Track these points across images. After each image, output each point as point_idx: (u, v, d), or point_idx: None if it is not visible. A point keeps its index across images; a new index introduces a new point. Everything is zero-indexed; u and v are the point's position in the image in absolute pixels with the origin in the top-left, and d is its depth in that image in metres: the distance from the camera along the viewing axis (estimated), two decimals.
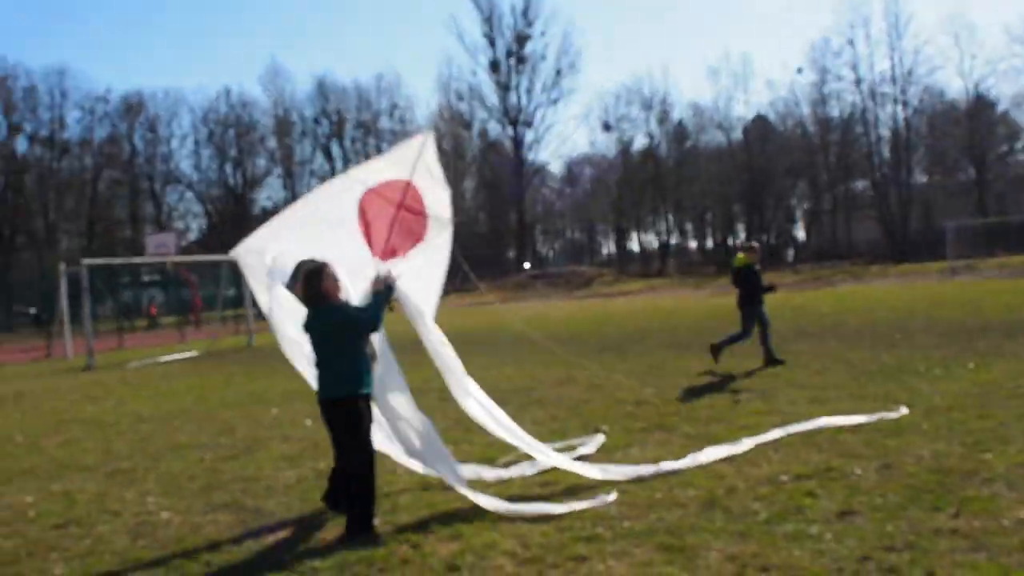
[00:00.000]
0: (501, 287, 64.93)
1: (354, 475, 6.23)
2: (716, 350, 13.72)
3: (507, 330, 25.41)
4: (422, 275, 7.26)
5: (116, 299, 42.93)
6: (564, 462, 7.34)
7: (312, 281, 6.29)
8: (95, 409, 13.88)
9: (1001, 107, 71.25)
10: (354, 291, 6.78)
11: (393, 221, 7.14)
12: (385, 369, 6.87)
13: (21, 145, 74.72)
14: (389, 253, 7.10)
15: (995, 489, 6.12)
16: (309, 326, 6.35)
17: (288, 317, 6.74)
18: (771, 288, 13.97)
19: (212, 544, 6.06)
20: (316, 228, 6.91)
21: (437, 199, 7.42)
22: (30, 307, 50.06)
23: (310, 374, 6.69)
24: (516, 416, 10.12)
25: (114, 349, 29.40)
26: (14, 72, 73.30)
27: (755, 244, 14.60)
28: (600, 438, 8.65)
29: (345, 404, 6.22)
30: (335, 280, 6.38)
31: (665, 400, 10.87)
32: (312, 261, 6.46)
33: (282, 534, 6.20)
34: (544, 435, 9.03)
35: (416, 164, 7.25)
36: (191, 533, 6.40)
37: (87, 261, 27.34)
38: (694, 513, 6.06)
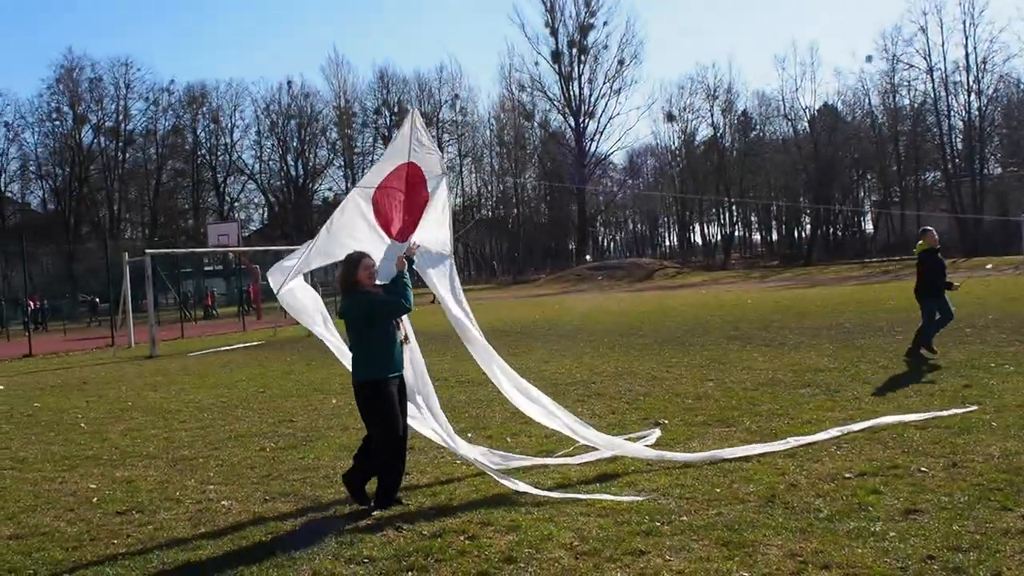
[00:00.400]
0: (561, 279, 64.75)
1: (380, 452, 6.61)
2: (917, 350, 12.87)
3: (566, 322, 25.35)
4: (433, 229, 7.53)
5: (176, 289, 43.52)
6: (599, 438, 7.70)
7: (349, 268, 6.72)
8: (157, 397, 14.12)
9: None
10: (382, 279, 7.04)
11: (402, 203, 7.48)
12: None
13: (87, 136, 76.25)
14: (406, 231, 7.38)
15: None
16: (343, 311, 6.75)
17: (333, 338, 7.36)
18: (951, 286, 13.28)
19: (271, 532, 6.11)
20: (342, 246, 7.08)
21: (431, 162, 7.69)
22: (90, 296, 51.01)
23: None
24: (574, 409, 10.15)
25: (176, 338, 29.90)
26: (80, 63, 74.92)
27: (929, 228, 13.78)
28: (657, 432, 8.54)
29: (372, 386, 6.60)
30: (370, 271, 6.78)
31: (726, 394, 10.73)
32: (357, 251, 6.86)
33: (340, 524, 6.21)
34: (603, 428, 8.99)
35: (410, 144, 7.59)
36: (250, 521, 6.45)
37: (150, 251, 27.87)
38: (754, 508, 5.95)
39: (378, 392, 6.61)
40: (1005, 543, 5.02)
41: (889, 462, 6.88)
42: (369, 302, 6.70)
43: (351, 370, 6.76)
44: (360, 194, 7.43)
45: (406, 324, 7.08)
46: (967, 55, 66.18)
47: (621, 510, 6.11)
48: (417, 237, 7.24)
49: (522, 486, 6.73)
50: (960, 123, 68.97)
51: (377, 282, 6.87)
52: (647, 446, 7.87)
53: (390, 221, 7.39)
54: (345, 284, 6.74)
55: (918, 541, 5.13)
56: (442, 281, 7.53)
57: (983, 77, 66.79)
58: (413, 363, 7.30)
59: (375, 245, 7.20)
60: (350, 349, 6.81)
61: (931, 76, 67.81)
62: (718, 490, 6.45)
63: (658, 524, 5.75)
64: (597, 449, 7.71)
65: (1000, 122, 70.75)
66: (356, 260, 6.74)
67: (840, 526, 5.48)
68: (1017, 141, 70.18)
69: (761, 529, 5.52)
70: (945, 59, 67.73)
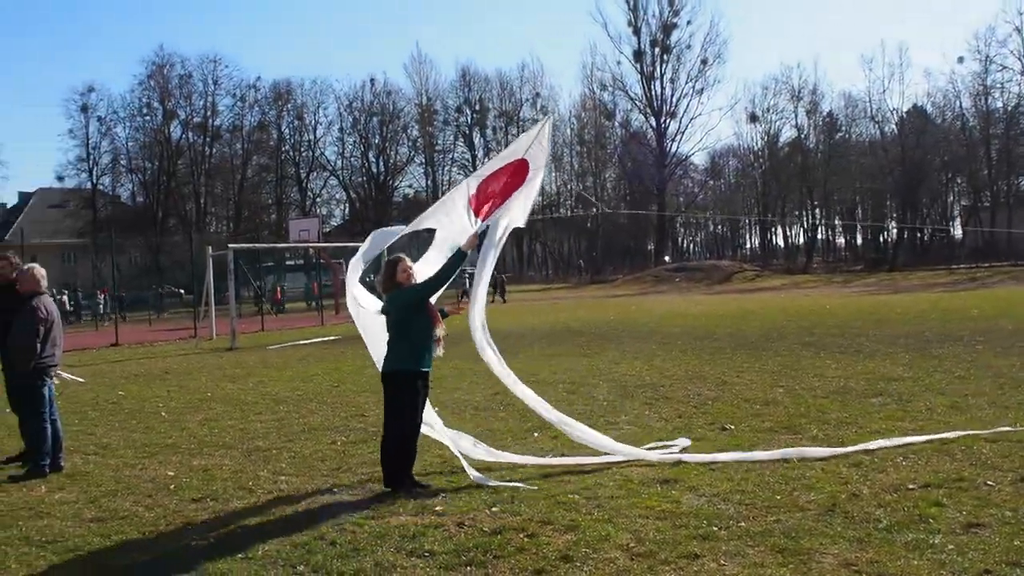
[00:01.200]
0: (639, 279, 64.44)
1: (397, 438, 7.14)
2: None
3: (640, 324, 25.31)
4: (515, 207, 8.07)
5: (254, 283, 44.29)
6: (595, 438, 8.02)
7: (388, 271, 7.30)
8: (235, 389, 14.54)
9: None
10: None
11: (502, 189, 8.01)
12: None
13: (175, 131, 78.34)
14: (491, 211, 7.96)
15: None
16: (385, 309, 7.37)
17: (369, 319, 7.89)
18: None
19: (337, 525, 6.28)
20: (436, 220, 8.05)
21: (540, 158, 8.17)
22: (176, 288, 52.19)
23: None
24: (641, 413, 10.23)
25: (256, 331, 30.56)
26: (170, 60, 77.01)
27: None
28: (686, 442, 8.45)
29: (400, 377, 7.13)
30: (408, 272, 7.32)
31: (796, 401, 10.66)
32: (395, 255, 7.44)
33: (404, 518, 6.37)
34: (669, 432, 9.06)
35: (532, 144, 8.10)
36: (318, 513, 6.65)
37: (233, 246, 28.58)
38: (813, 517, 5.95)
39: (414, 383, 7.15)
40: None
41: (955, 474, 6.80)
42: (413, 290, 7.25)
43: (387, 360, 7.23)
44: (471, 179, 8.18)
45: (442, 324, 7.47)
46: None
47: (680, 513, 6.16)
48: (498, 213, 7.88)
49: (475, 474, 7.31)
50: None
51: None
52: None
53: (482, 203, 7.96)
54: (386, 285, 7.32)
55: (976, 555, 5.08)
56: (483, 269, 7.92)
57: None
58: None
59: (462, 222, 7.90)
60: (390, 343, 7.27)
61: None
62: (778, 497, 6.46)
63: (715, 528, 5.79)
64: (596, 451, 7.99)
65: None
66: (395, 263, 7.31)
67: (898, 537, 5.45)
68: None
69: (818, 537, 5.52)
70: None
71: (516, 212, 8.04)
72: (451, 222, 7.98)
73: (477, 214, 7.92)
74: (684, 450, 8.16)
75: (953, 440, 7.95)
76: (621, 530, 5.85)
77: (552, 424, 8.26)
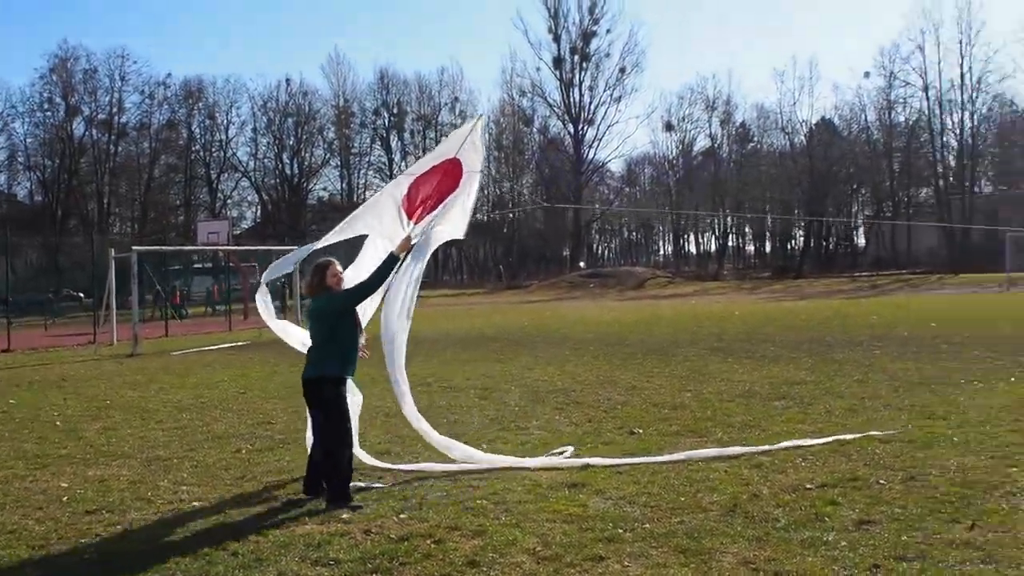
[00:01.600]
0: (554, 285, 64.84)
1: (329, 452, 6.99)
2: None
3: (554, 329, 25.47)
4: (453, 216, 7.90)
5: (157, 286, 42.92)
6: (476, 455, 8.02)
7: (317, 275, 7.16)
8: (136, 396, 14.10)
9: None
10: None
11: (434, 190, 7.86)
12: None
13: (78, 128, 75.21)
14: (424, 215, 7.82)
15: (1016, 502, 6.14)
16: (314, 310, 7.26)
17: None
18: None
19: (239, 534, 6.16)
20: (365, 223, 7.99)
21: (474, 160, 8.07)
22: (75, 291, 50.46)
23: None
24: (552, 417, 10.31)
25: (160, 336, 29.69)
26: (75, 54, 73.78)
27: None
28: (570, 449, 8.45)
29: (325, 383, 7.03)
30: (338, 277, 7.24)
31: (702, 405, 10.86)
32: (325, 258, 7.30)
33: (310, 527, 6.29)
34: (579, 436, 9.15)
35: (464, 145, 7.97)
36: (220, 523, 6.53)
37: (137, 248, 27.83)
38: (715, 517, 6.09)
39: (339, 388, 7.10)
40: (949, 553, 5.20)
41: (850, 474, 7.04)
42: (342, 296, 7.16)
43: (311, 366, 7.11)
44: (403, 177, 8.10)
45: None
46: (962, 75, 66.84)
47: (587, 516, 6.23)
48: (434, 221, 7.73)
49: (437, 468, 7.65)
50: (954, 141, 69.54)
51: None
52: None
53: (415, 207, 7.81)
54: (314, 288, 7.18)
55: (867, 550, 5.29)
56: (406, 280, 7.60)
57: (977, 97, 67.38)
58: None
59: (395, 226, 7.77)
60: (314, 348, 7.19)
61: (927, 94, 68.52)
62: (683, 499, 6.59)
63: (621, 531, 5.88)
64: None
65: (992, 141, 71.25)
66: (324, 266, 7.18)
67: (795, 535, 5.62)
68: (1009, 161, 70.71)
69: (719, 537, 5.66)
70: (940, 78, 68.21)
71: (455, 222, 7.86)
72: (382, 225, 7.85)
73: (411, 217, 7.78)
74: (576, 456, 8.22)
75: (850, 441, 8.23)
76: (528, 534, 5.89)
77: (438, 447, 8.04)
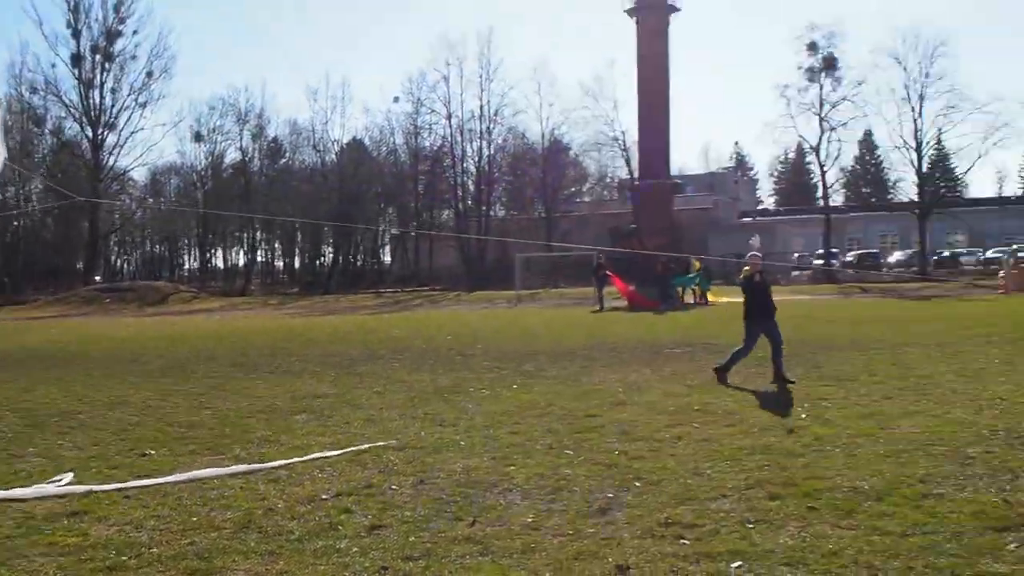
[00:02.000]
0: (63, 300, 59.83)
1: None
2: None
3: (61, 347, 23.53)
4: None
5: None
6: None
7: None
8: None
9: (572, 152, 78.28)
10: None
11: None
12: None
13: None
14: None
15: (511, 498, 6.70)
16: None
17: None
18: None
19: None
20: None
21: None
22: None
23: None
24: (53, 443, 9.49)
25: None
26: None
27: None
28: (70, 475, 7.94)
29: None
30: None
31: (221, 422, 10.61)
32: None
33: None
34: (83, 461, 8.51)
35: None
36: None
37: None
38: (228, 535, 5.97)
39: None
40: (452, 549, 5.54)
41: (365, 482, 7.26)
42: None
43: None
44: None
45: None
46: (481, 106, 72.04)
47: (87, 546, 5.80)
48: None
49: None
50: (473, 168, 75.12)
51: None
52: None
53: None
54: None
55: (377, 554, 5.48)
56: None
57: (494, 128, 73.38)
58: None
59: None
60: None
61: (450, 122, 73.15)
62: (195, 519, 6.38)
63: (125, 558, 5.57)
64: None
65: (507, 170, 78.19)
66: None
67: (309, 546, 5.67)
68: (520, 188, 78.02)
69: (231, 555, 5.55)
70: (463, 108, 73.26)
71: None
72: None
73: None
74: (78, 483, 7.64)
75: (366, 450, 8.49)
76: (17, 572, 5.36)
77: None
